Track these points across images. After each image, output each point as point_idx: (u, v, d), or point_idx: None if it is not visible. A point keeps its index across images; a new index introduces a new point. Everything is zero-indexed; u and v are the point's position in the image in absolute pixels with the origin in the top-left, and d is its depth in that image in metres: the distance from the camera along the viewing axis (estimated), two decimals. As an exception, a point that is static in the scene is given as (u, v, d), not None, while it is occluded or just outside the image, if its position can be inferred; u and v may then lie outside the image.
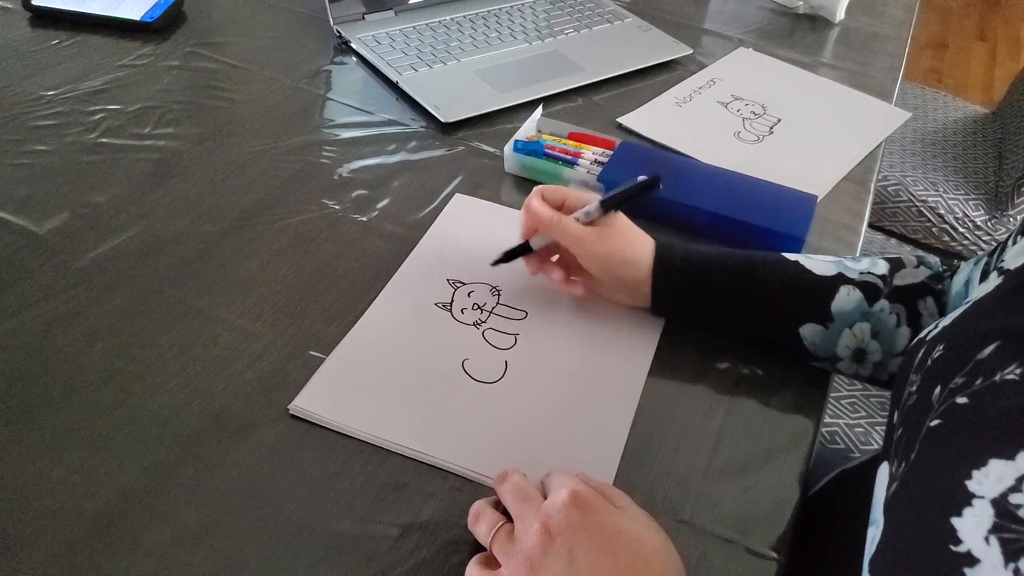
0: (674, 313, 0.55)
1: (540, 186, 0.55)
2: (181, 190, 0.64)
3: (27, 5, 0.83)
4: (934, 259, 0.54)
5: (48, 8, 0.83)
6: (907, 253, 0.56)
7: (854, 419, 0.81)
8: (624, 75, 0.83)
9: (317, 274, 0.57)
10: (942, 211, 1.22)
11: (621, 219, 0.54)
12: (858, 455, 0.73)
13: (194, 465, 0.45)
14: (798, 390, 0.53)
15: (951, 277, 0.52)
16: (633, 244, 0.53)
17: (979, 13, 2.81)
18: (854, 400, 0.84)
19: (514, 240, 0.56)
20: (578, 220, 0.53)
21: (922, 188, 1.24)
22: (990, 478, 0.29)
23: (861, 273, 0.52)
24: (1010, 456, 0.29)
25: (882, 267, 0.53)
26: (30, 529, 0.41)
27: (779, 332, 0.52)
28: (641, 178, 0.52)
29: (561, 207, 0.54)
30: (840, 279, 0.52)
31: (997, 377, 0.32)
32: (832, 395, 0.84)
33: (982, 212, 1.21)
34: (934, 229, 1.23)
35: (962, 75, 2.47)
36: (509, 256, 0.56)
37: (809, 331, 0.51)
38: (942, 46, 2.60)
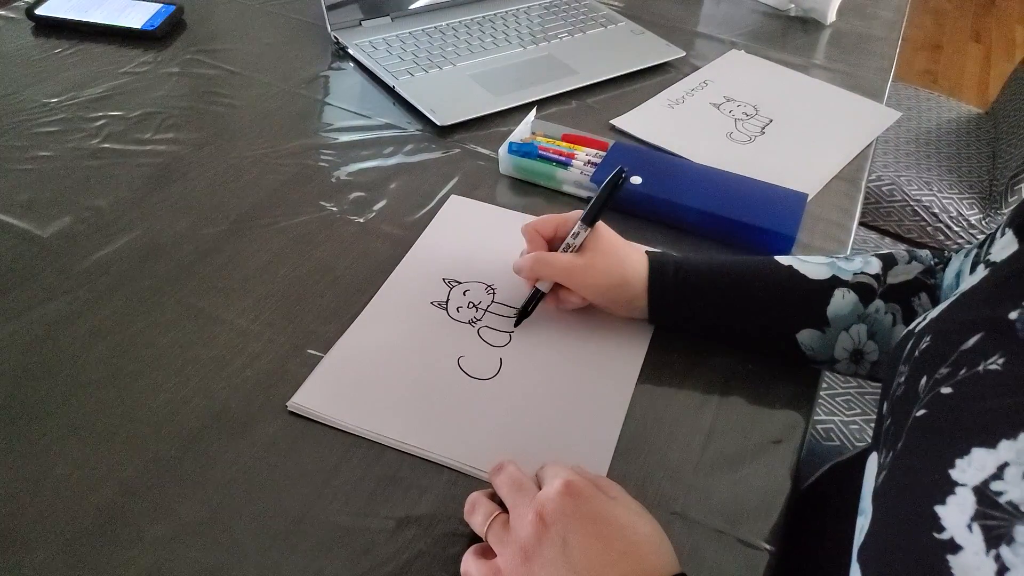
0: (671, 325, 0.55)
1: (530, 223, 0.55)
2: (181, 194, 0.65)
3: (30, 14, 0.84)
4: (925, 253, 0.54)
5: (51, 17, 0.84)
6: (898, 249, 0.56)
7: (849, 416, 0.82)
8: (617, 78, 0.84)
9: (315, 274, 0.58)
10: (936, 210, 1.23)
11: (609, 239, 0.54)
12: (852, 451, 0.74)
13: (194, 461, 0.45)
14: (790, 384, 0.53)
15: (943, 270, 0.53)
16: (623, 265, 0.53)
17: (973, 14, 2.82)
18: (849, 397, 0.84)
19: (511, 239, 0.57)
20: (570, 245, 0.53)
21: (916, 188, 1.25)
22: (973, 466, 0.29)
23: (855, 274, 0.52)
24: (992, 445, 0.29)
25: (875, 266, 0.53)
26: (34, 524, 0.42)
27: (776, 339, 0.53)
28: (608, 178, 0.53)
29: (554, 235, 0.55)
30: (834, 282, 0.52)
31: (980, 367, 0.32)
32: (827, 392, 0.85)
33: (976, 211, 1.22)
34: (928, 228, 1.24)
35: (957, 76, 2.48)
36: (527, 310, 0.55)
37: (806, 336, 0.52)
38: (937, 48, 2.61)
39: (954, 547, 0.28)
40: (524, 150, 0.69)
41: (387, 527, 0.43)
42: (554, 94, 0.80)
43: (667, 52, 0.88)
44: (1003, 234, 0.42)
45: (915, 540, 0.30)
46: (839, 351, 0.52)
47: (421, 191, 0.67)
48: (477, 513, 0.41)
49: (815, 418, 0.66)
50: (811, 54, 0.94)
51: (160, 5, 0.87)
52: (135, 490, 0.44)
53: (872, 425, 0.81)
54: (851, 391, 0.85)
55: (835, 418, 0.82)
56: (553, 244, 0.55)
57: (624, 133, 0.76)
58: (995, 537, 0.27)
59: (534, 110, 0.75)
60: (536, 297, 0.55)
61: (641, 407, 0.51)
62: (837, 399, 0.84)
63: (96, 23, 0.84)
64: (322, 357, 0.52)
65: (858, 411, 0.83)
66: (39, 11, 0.84)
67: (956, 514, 0.29)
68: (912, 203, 1.24)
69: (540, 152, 0.69)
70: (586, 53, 0.86)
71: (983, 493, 0.29)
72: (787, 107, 0.81)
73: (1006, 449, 0.29)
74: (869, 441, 0.80)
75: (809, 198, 0.68)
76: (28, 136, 0.69)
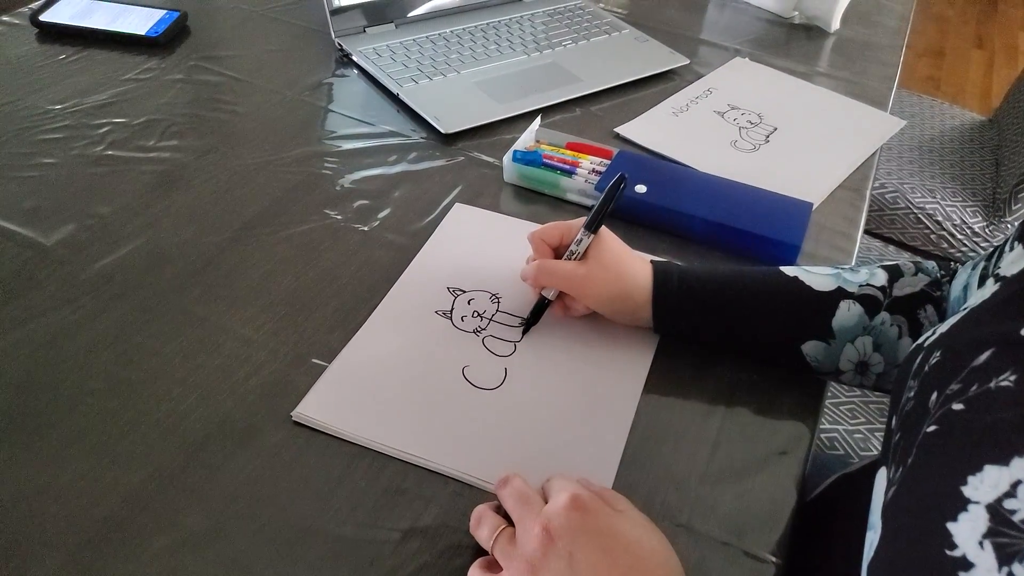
0: (676, 335, 0.55)
1: (536, 231, 0.55)
2: (185, 201, 0.65)
3: (35, 21, 0.84)
4: (931, 264, 0.54)
5: (55, 24, 0.84)
6: (904, 260, 0.56)
7: (853, 425, 0.82)
8: (622, 86, 0.84)
9: (319, 283, 0.58)
10: (940, 218, 1.23)
11: (613, 249, 0.53)
12: (857, 461, 0.73)
13: (198, 471, 0.45)
14: (795, 394, 0.53)
15: (949, 282, 0.52)
16: (625, 276, 0.53)
17: (976, 21, 2.83)
18: (853, 406, 0.84)
19: (515, 248, 0.57)
20: (573, 252, 0.53)
21: (920, 195, 1.24)
22: (985, 483, 0.29)
23: (860, 286, 0.52)
24: (1004, 462, 0.29)
25: (881, 277, 0.53)
26: (37, 534, 0.42)
27: (781, 350, 0.53)
28: (609, 185, 0.53)
29: (560, 242, 0.54)
30: (840, 294, 0.52)
31: (992, 384, 0.32)
32: (831, 401, 0.84)
33: (979, 219, 1.22)
34: (932, 236, 1.24)
35: (960, 83, 2.48)
36: (533, 319, 0.55)
37: (811, 348, 0.52)
38: (939, 54, 2.62)
39: (966, 564, 0.28)
40: (528, 158, 0.69)
41: (392, 539, 0.43)
42: (558, 102, 0.80)
43: (671, 60, 0.88)
44: (1012, 248, 0.42)
45: (926, 556, 0.30)
46: (844, 363, 0.52)
47: (425, 199, 0.67)
48: (483, 527, 0.41)
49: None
50: (815, 62, 0.94)
51: (164, 12, 0.87)
52: (138, 501, 0.43)
53: (876, 434, 0.81)
54: (855, 400, 0.85)
55: (839, 427, 0.81)
56: (559, 252, 0.55)
57: (628, 141, 0.76)
58: (1007, 555, 0.27)
59: (538, 118, 0.75)
60: (542, 305, 0.55)
61: (646, 417, 0.51)
62: (841, 408, 0.83)
63: (100, 30, 0.84)
64: (326, 367, 0.51)
65: (862, 420, 0.82)
66: (43, 17, 0.84)
67: (968, 531, 0.29)
68: (915, 210, 1.24)
69: (544, 160, 0.69)
70: (590, 60, 0.86)
71: (996, 511, 0.28)
72: (791, 115, 0.81)
73: (1018, 466, 0.29)
74: (873, 451, 0.80)
75: (814, 207, 0.67)
76: (32, 143, 0.69)
